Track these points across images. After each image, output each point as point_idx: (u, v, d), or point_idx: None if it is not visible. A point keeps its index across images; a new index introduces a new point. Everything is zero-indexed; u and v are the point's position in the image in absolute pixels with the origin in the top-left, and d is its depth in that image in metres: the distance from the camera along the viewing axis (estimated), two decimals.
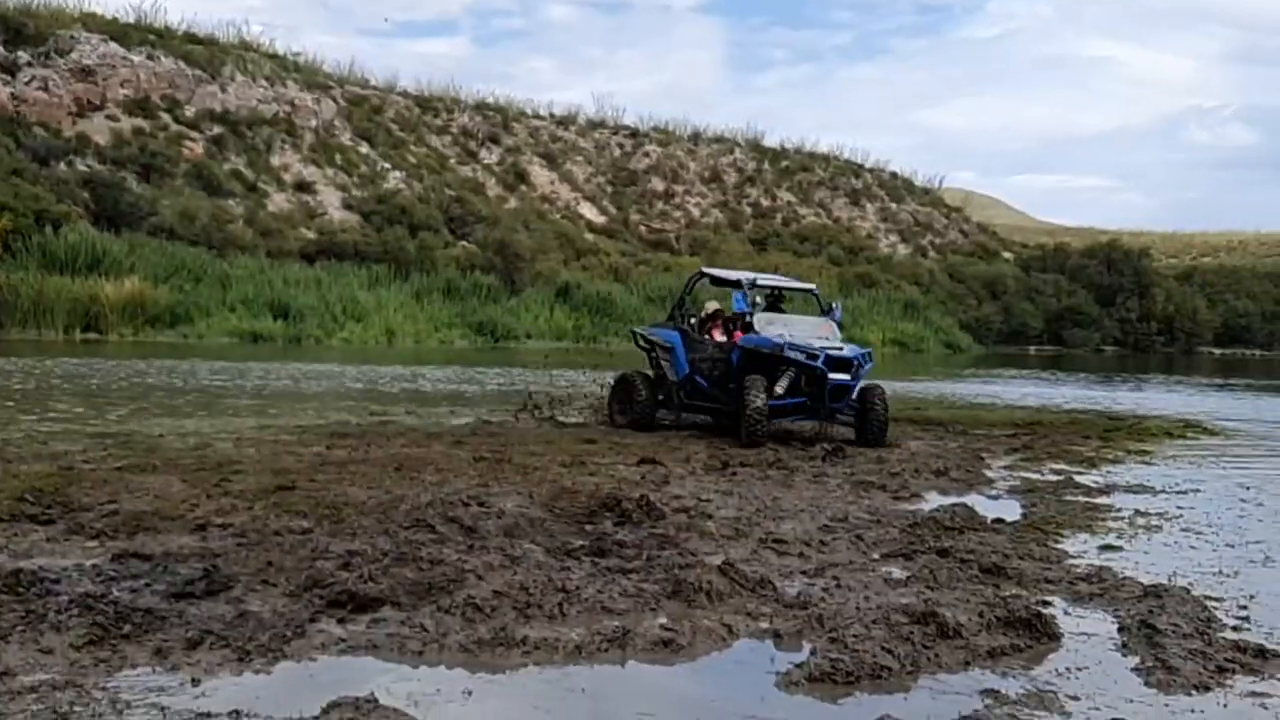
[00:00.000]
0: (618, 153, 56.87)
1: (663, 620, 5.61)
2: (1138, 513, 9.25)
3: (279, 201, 38.90)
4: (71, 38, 38.61)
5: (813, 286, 15.86)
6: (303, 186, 40.12)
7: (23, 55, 36.86)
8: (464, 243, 40.27)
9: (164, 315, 28.60)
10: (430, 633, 5.36)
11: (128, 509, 7.81)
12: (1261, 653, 5.37)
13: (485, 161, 50.28)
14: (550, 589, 6.02)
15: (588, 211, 50.87)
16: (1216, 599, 6.44)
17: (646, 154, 57.04)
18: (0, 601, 5.50)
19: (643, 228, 51.61)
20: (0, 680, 4.58)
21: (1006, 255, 58.81)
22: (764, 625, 5.61)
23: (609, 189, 53.91)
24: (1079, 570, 6.96)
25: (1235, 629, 5.86)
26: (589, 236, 46.81)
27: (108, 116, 37.51)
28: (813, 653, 5.10)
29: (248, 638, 5.17)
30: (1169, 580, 6.70)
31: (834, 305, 14.76)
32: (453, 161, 48.75)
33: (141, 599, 5.70)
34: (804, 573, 6.66)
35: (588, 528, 7.78)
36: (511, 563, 6.61)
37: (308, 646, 5.16)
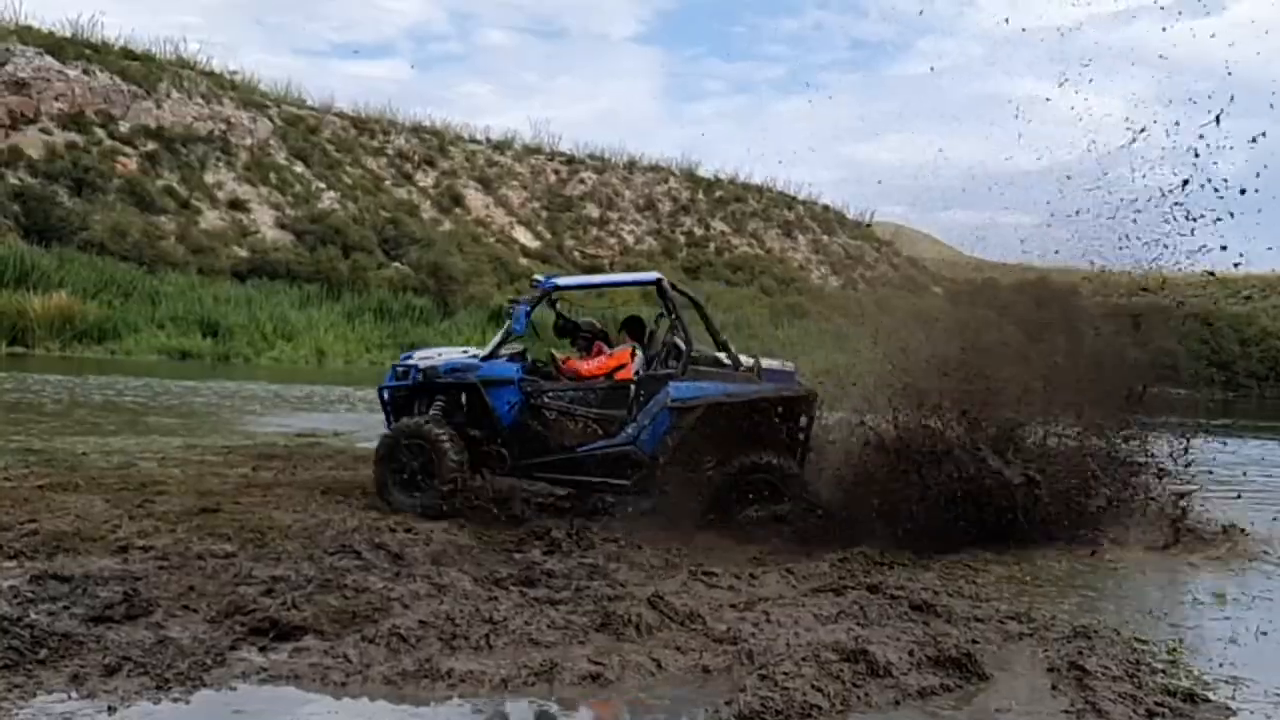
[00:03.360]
0: (553, 179, 56.86)
1: (591, 653, 5.58)
2: None
3: (212, 219, 38.43)
4: (7, 50, 37.96)
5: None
6: (236, 204, 39.66)
7: None
8: (397, 264, 40.01)
9: (92, 331, 28.09)
10: (354, 663, 5.30)
11: (48, 529, 7.66)
12: (1191, 698, 5.41)
13: (421, 184, 50.02)
14: (477, 620, 5.99)
15: (522, 236, 50.79)
16: (1144, 641, 6.48)
17: (582, 180, 57.08)
18: None
19: (577, 253, 51.61)
20: None
21: (936, 289, 59.50)
22: (693, 660, 5.58)
23: (544, 214, 53.84)
24: (1007, 609, 7.01)
25: (1164, 673, 5.88)
26: (523, 261, 46.73)
27: (41, 130, 36.87)
28: (742, 690, 5.09)
29: (167, 665, 5.09)
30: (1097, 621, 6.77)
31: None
32: (388, 183, 48.46)
33: (59, 622, 5.59)
34: (734, 606, 6.65)
35: (516, 556, 7.74)
36: (438, 591, 6.57)
37: (228, 675, 5.08)
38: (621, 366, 9.85)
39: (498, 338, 10.04)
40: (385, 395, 10.07)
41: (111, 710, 4.60)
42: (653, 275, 10.22)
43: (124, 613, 5.81)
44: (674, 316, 9.69)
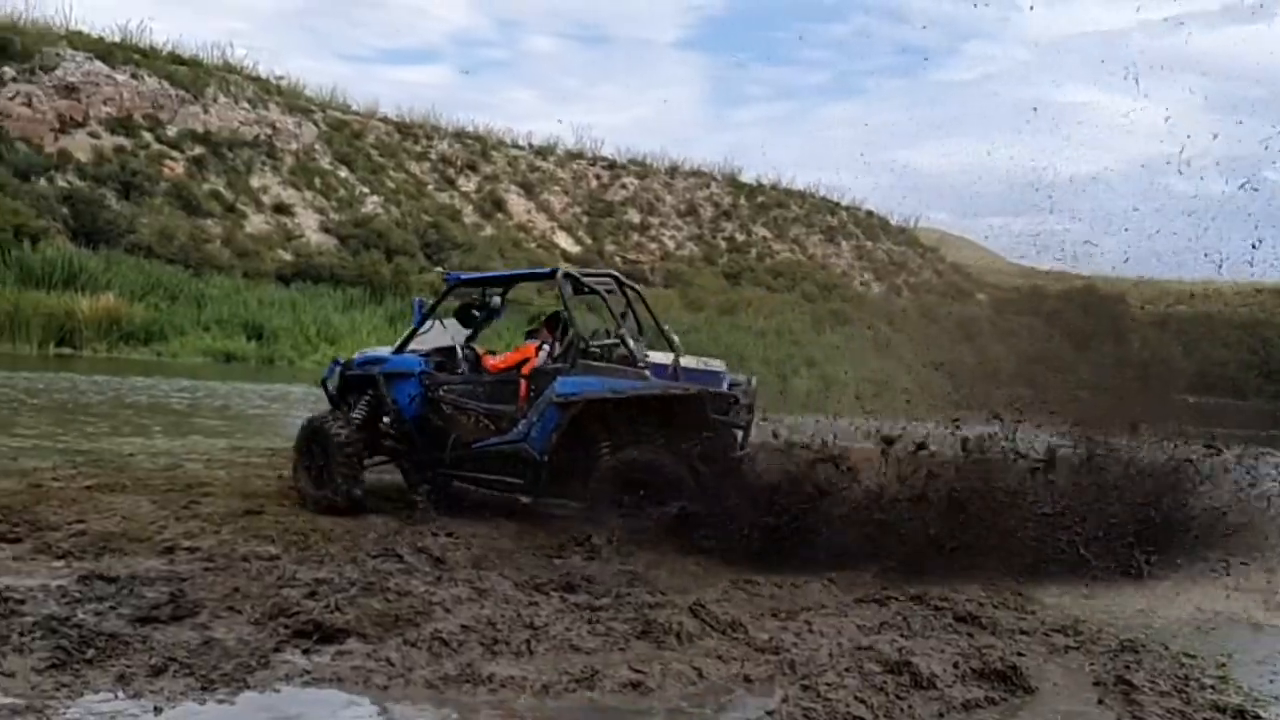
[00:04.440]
0: (595, 184, 56.94)
1: (632, 660, 5.56)
2: None
3: (257, 223, 38.76)
4: (57, 55, 38.46)
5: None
6: (281, 209, 39.98)
7: (8, 70, 36.68)
8: (439, 269, 40.23)
9: (138, 332, 28.37)
10: (396, 667, 5.32)
11: (96, 529, 7.74)
12: (1241, 715, 5.33)
13: (463, 189, 50.24)
14: (518, 625, 5.99)
15: (563, 241, 50.88)
16: (1192, 656, 6.38)
17: (624, 186, 57.12)
18: None
19: (618, 258, 51.64)
20: None
21: (980, 297, 59.12)
22: (735, 669, 5.55)
23: (585, 219, 53.93)
24: (1053, 621, 6.93)
25: (1214, 689, 5.78)
26: (565, 266, 46.87)
27: (90, 134, 37.31)
28: (784, 700, 5.06)
29: (212, 666, 5.13)
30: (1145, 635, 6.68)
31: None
32: (431, 188, 48.69)
33: (106, 623, 5.65)
34: (775, 615, 6.61)
35: (556, 561, 7.72)
36: (479, 596, 6.57)
37: (272, 677, 5.11)
38: (526, 361, 9.66)
39: (407, 333, 10.16)
40: (326, 389, 10.27)
41: (158, 711, 4.64)
42: (550, 269, 9.94)
43: (170, 613, 5.87)
44: (567, 311, 9.40)
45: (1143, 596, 7.89)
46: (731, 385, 9.14)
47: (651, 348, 9.44)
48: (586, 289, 9.55)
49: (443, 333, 10.12)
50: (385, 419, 9.58)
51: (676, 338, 9.76)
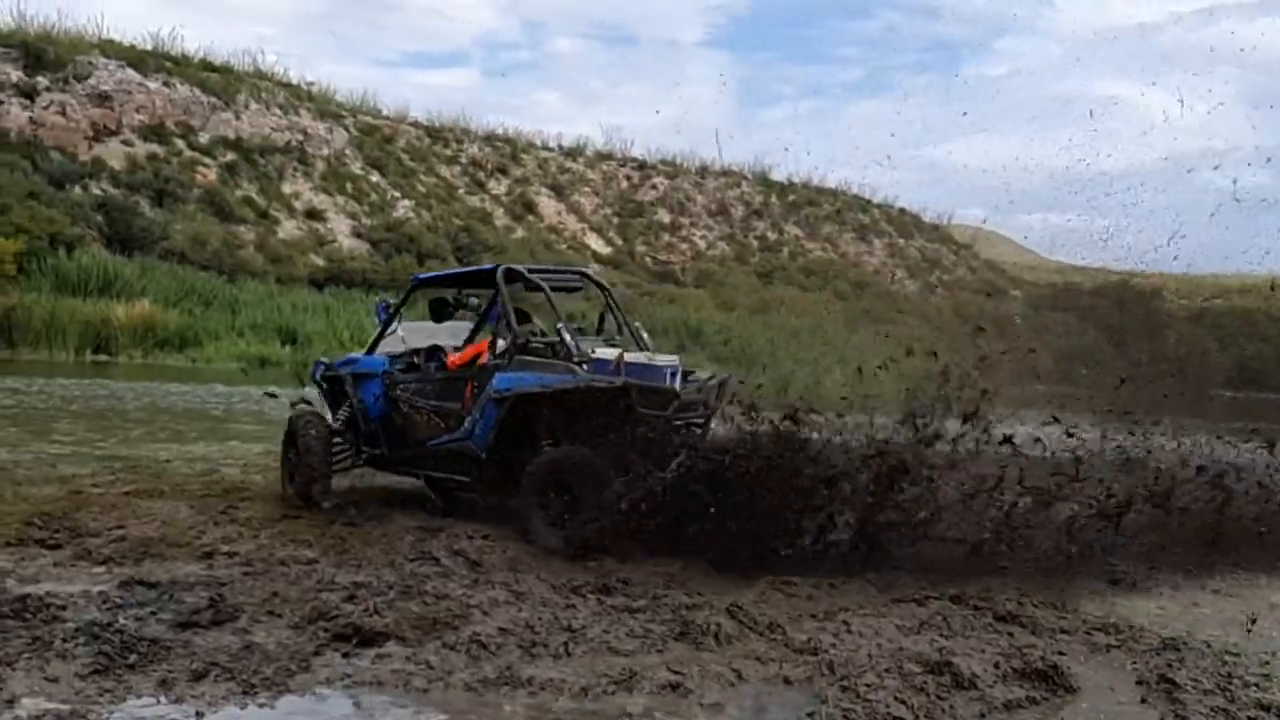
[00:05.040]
0: (625, 184, 56.95)
1: (670, 662, 5.56)
2: None
3: (289, 228, 38.98)
4: (90, 64, 38.79)
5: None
6: (313, 214, 40.20)
7: (42, 80, 37.03)
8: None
9: (173, 338, 28.60)
10: (435, 670, 5.33)
11: (135, 535, 7.81)
12: None
13: (493, 192, 50.36)
14: (556, 627, 6.00)
15: (594, 242, 50.93)
16: (1236, 654, 6.31)
17: (654, 186, 57.12)
18: (7, 627, 5.51)
19: (649, 259, 51.66)
20: (6, 708, 4.57)
21: (1015, 293, 58.77)
22: (773, 671, 5.53)
23: (615, 220, 53.96)
24: (1094, 620, 6.87)
25: (1258, 686, 5.71)
26: (595, 267, 46.91)
27: (123, 141, 37.62)
28: (824, 701, 5.05)
29: (253, 670, 5.16)
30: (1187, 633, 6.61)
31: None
32: (461, 191, 48.84)
33: (147, 628, 5.70)
34: (813, 616, 6.57)
35: (592, 563, 7.71)
36: (517, 599, 6.58)
37: (312, 681, 5.14)
38: (479, 356, 9.52)
39: (376, 334, 10.27)
40: (319, 386, 10.44)
41: (199, 715, 4.67)
42: (492, 266, 9.75)
43: (210, 618, 5.91)
44: (502, 307, 9.19)
45: (1184, 594, 7.82)
46: (686, 380, 8.92)
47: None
48: (533, 286, 9.41)
49: (433, 331, 10.10)
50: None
51: (646, 335, 9.63)
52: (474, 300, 10.04)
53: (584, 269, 10.50)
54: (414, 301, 10.97)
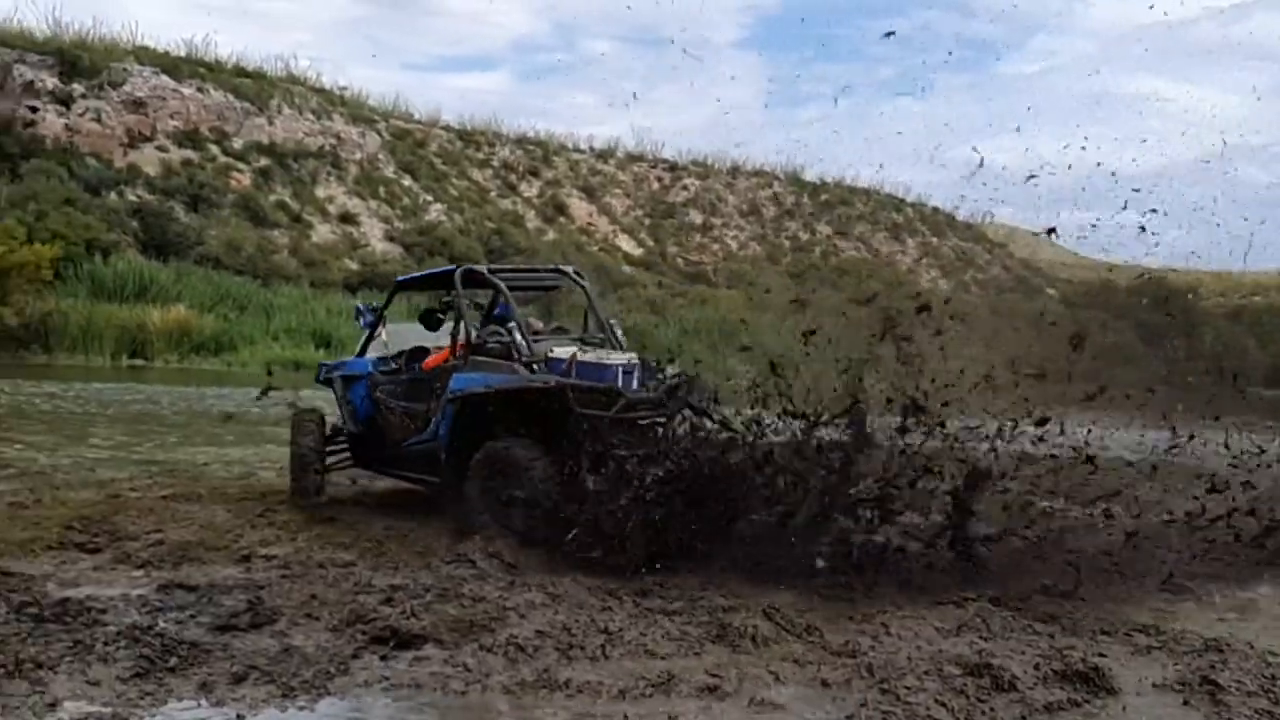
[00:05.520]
0: (656, 186, 56.92)
1: (708, 665, 5.54)
2: None
3: (323, 232, 39.18)
4: (124, 70, 39.10)
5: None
6: (346, 218, 40.39)
7: (77, 87, 37.36)
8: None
9: (208, 343, 28.81)
10: (473, 672, 5.34)
11: (173, 538, 7.87)
12: None
13: (525, 194, 50.45)
14: (593, 630, 5.99)
15: (625, 244, 50.92)
16: (1278, 655, 6.19)
17: (685, 187, 57.06)
18: (49, 631, 5.56)
19: (680, 260, 51.63)
20: (49, 711, 4.61)
21: (1051, 291, 58.32)
22: (811, 673, 5.50)
23: (647, 221, 53.96)
24: (1134, 621, 6.79)
25: None
26: (626, 269, 46.88)
27: (158, 147, 37.91)
28: (863, 704, 5.02)
29: (292, 673, 5.18)
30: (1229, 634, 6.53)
31: None
32: (493, 194, 48.96)
33: (187, 631, 5.73)
34: (851, 618, 6.53)
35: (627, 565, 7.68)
36: (553, 601, 6.58)
37: (351, 684, 5.16)
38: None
39: (365, 337, 10.34)
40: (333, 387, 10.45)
41: (240, 718, 4.69)
42: (451, 267, 9.75)
43: (249, 621, 5.94)
44: (457, 309, 9.25)
45: (1226, 598, 7.72)
46: (654, 378, 8.91)
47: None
48: (489, 285, 9.42)
49: (420, 333, 10.10)
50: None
51: (620, 333, 9.59)
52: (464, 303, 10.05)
53: (564, 267, 10.43)
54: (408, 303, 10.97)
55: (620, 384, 8.45)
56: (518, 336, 8.78)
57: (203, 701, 4.85)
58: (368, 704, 4.96)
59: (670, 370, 9.28)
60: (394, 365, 9.99)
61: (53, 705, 4.67)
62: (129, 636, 5.50)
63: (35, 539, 7.68)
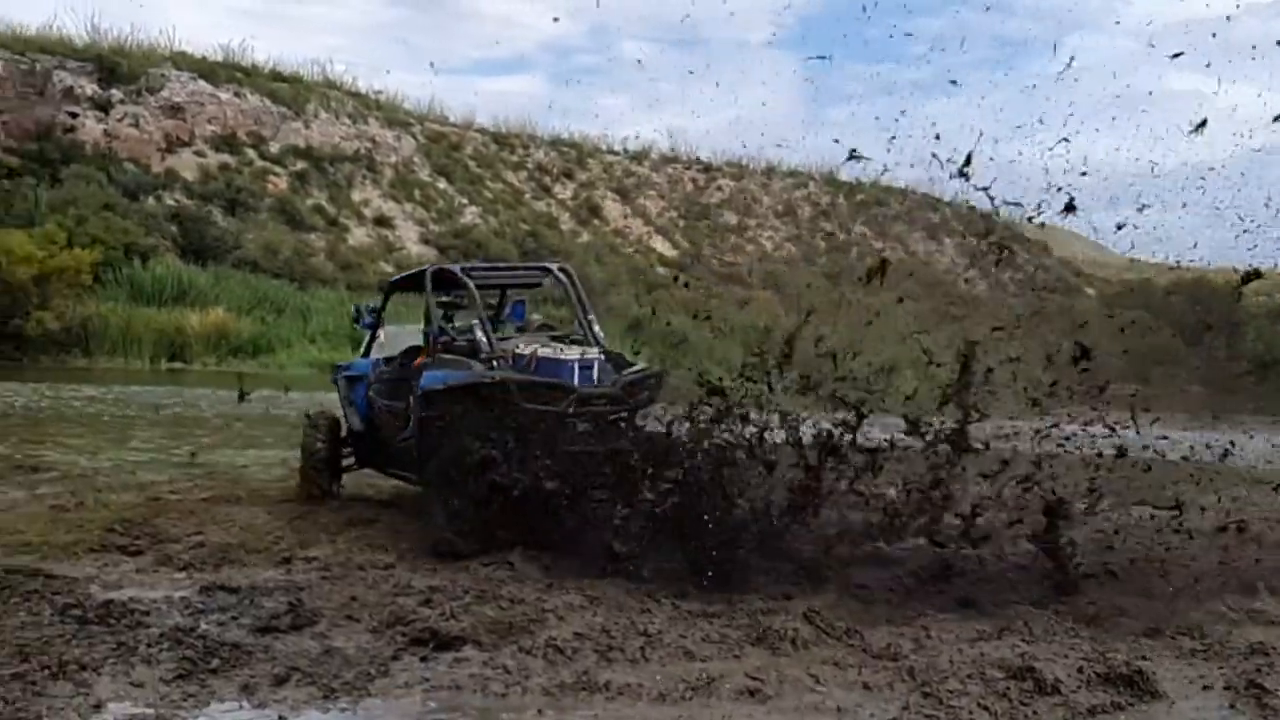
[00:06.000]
0: (690, 187, 56.92)
1: (748, 668, 5.51)
2: None
3: (359, 235, 39.42)
4: (162, 76, 39.49)
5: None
6: (382, 221, 40.63)
7: (115, 93, 37.75)
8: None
9: (246, 346, 29.07)
10: (513, 674, 5.33)
11: (214, 540, 7.93)
12: None
13: (559, 196, 50.57)
14: (632, 632, 5.97)
15: (660, 245, 50.94)
16: None
17: (719, 188, 57.02)
18: (93, 633, 5.60)
19: (715, 261, 51.57)
20: (93, 712, 4.64)
21: (1089, 291, 57.91)
22: (852, 677, 5.47)
23: (681, 223, 53.94)
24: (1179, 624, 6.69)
25: None
26: (661, 270, 46.87)
27: (195, 152, 38.26)
28: (905, 707, 4.98)
29: (333, 675, 5.20)
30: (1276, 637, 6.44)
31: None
32: (528, 196, 49.10)
33: (229, 633, 5.76)
34: (890, 621, 6.48)
35: (666, 567, 7.67)
36: (591, 603, 6.57)
37: (392, 685, 5.17)
38: None
39: (368, 338, 10.56)
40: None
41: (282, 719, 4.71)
42: (422, 268, 9.96)
43: (290, 623, 5.97)
44: (429, 305, 9.43)
45: (1272, 600, 7.61)
46: (622, 374, 8.93)
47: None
48: (459, 285, 9.51)
49: (415, 333, 10.25)
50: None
51: (598, 329, 9.55)
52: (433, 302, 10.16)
53: (548, 264, 10.54)
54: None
55: (577, 379, 8.57)
56: (479, 334, 8.94)
57: (245, 703, 4.87)
58: (408, 706, 4.97)
59: (637, 366, 9.35)
60: (390, 365, 10.08)
61: (97, 707, 4.70)
62: (172, 638, 5.54)
63: (78, 541, 7.75)
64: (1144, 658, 5.84)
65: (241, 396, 10.51)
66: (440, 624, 5.92)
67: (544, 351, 8.84)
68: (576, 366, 8.70)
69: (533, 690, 5.16)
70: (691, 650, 5.76)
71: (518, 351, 8.79)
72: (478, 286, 9.45)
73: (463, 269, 9.64)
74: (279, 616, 6.04)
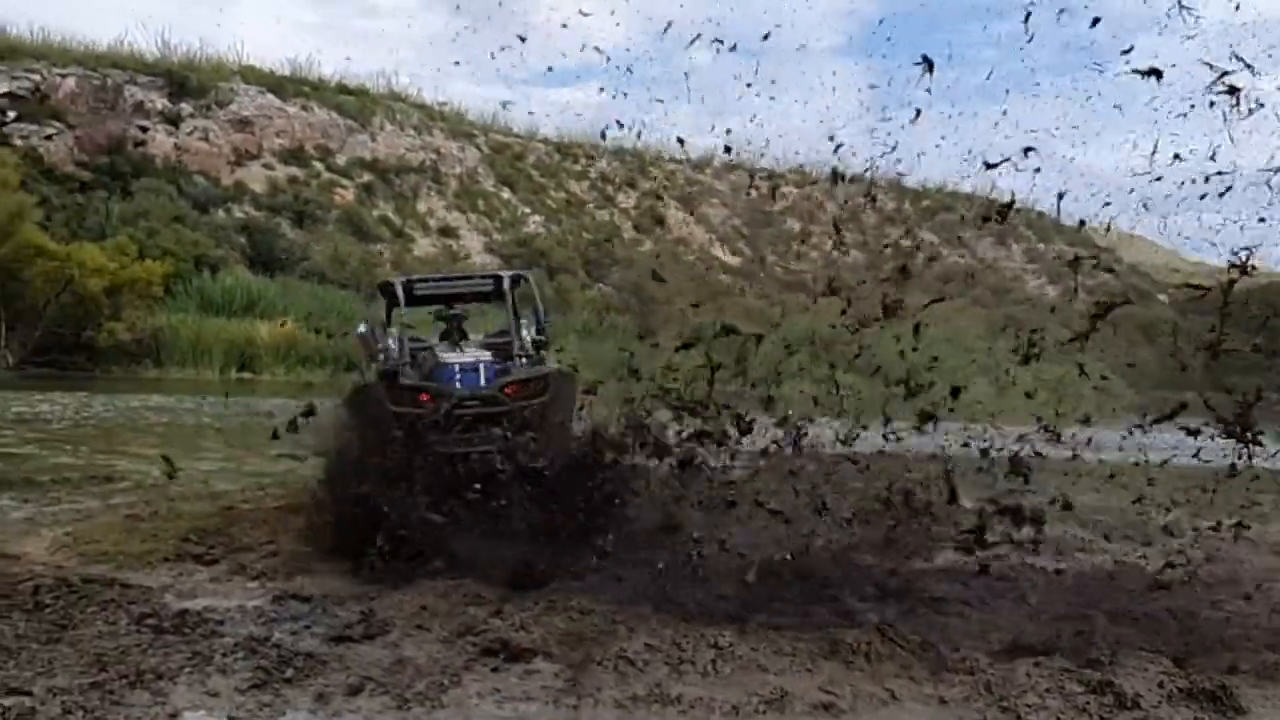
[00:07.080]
0: (754, 195, 56.75)
1: (822, 682, 5.44)
2: None
3: (424, 246, 39.73)
4: (231, 90, 40.09)
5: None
6: (447, 231, 40.93)
7: (185, 107, 38.38)
8: (600, 285, 40.63)
9: (314, 355, 29.32)
10: (584, 686, 5.30)
11: (286, 549, 7.97)
12: None
13: (622, 205, 50.65)
14: (703, 644, 5.91)
15: (722, 253, 50.84)
16: None
17: (783, 195, 56.81)
18: (168, 642, 5.65)
19: (779, 269, 51.34)
20: None
21: (1161, 297, 57.01)
22: (928, 691, 5.38)
23: (744, 231, 53.79)
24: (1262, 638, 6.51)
25: None
26: (724, 278, 46.75)
27: (264, 165, 38.79)
28: None
29: (406, 685, 5.20)
30: None
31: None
32: (591, 206, 49.24)
33: (302, 642, 5.79)
34: (966, 634, 6.38)
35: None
36: (660, 614, 6.51)
37: (464, 696, 5.16)
38: None
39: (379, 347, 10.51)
40: None
41: None
42: (383, 281, 10.60)
43: (362, 632, 5.99)
44: (386, 316, 10.07)
45: None
46: (488, 377, 9.06)
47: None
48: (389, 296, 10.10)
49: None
50: None
51: (526, 335, 10.02)
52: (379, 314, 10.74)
53: (500, 271, 11.13)
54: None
55: (459, 382, 8.80)
56: (390, 342, 9.46)
57: (320, 712, 4.88)
58: (480, 716, 4.96)
59: (522, 365, 9.57)
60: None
61: (174, 716, 4.74)
62: (246, 647, 5.58)
63: (152, 551, 7.85)
64: (1227, 673, 5.69)
65: (305, 415, 10.33)
66: (510, 635, 5.91)
67: (445, 356, 9.20)
68: (458, 369, 8.97)
69: (604, 702, 5.13)
70: (763, 664, 5.69)
71: (439, 359, 9.17)
72: (427, 297, 10.19)
73: (405, 281, 10.16)
74: (351, 626, 6.07)
